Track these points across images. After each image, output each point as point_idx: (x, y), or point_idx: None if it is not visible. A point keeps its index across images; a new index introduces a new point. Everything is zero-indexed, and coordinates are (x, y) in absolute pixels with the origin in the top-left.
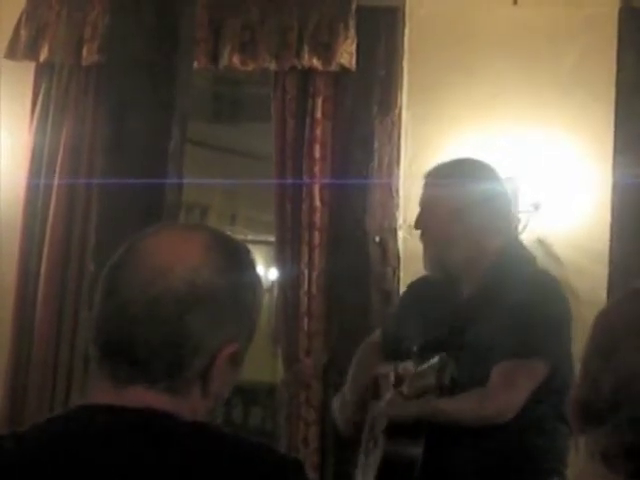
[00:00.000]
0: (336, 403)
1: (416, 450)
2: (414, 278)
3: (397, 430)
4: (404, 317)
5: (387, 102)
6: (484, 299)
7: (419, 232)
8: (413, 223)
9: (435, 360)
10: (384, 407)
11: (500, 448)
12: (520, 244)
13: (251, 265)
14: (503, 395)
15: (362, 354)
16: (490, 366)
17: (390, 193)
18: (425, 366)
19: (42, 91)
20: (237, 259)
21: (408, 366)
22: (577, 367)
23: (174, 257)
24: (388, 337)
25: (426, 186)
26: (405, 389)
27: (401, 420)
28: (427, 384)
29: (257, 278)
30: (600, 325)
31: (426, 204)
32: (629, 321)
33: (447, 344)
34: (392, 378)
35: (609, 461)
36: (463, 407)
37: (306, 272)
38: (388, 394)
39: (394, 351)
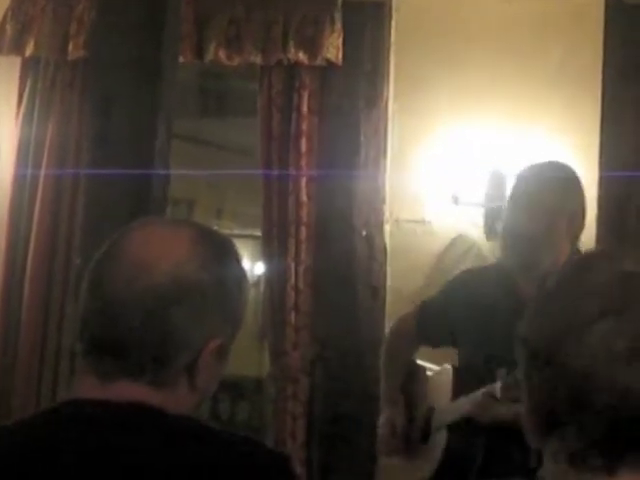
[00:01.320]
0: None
1: (478, 446)
2: (401, 272)
3: (462, 427)
4: (451, 306)
5: (373, 96)
6: None
7: (519, 232)
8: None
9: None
10: (473, 409)
11: None
12: None
13: (236, 259)
14: None
15: (393, 349)
16: None
17: (377, 187)
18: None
19: (28, 86)
20: (222, 254)
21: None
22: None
23: (159, 252)
24: (428, 324)
25: (529, 190)
26: (498, 394)
27: (487, 422)
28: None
29: (242, 272)
30: (531, 325)
31: (541, 208)
32: (562, 317)
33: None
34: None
35: (578, 461)
36: None
37: (293, 266)
38: (478, 395)
39: (434, 339)
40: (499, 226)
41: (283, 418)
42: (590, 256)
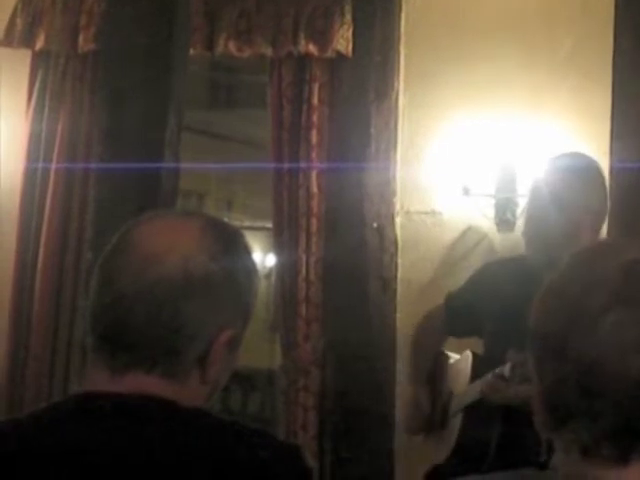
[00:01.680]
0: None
1: (492, 430)
2: (412, 263)
3: (476, 411)
4: (479, 297)
5: (384, 88)
6: None
7: (545, 227)
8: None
9: None
10: (483, 389)
11: None
12: None
13: (246, 250)
14: None
15: (422, 338)
16: None
17: (387, 179)
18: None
19: (39, 79)
20: (232, 245)
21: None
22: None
23: (169, 244)
24: (456, 315)
25: (553, 182)
26: (507, 374)
27: (497, 402)
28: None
29: (252, 263)
30: (540, 313)
31: (568, 203)
32: (570, 307)
33: None
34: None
35: (591, 452)
36: None
37: (304, 258)
38: (488, 376)
39: (461, 329)
40: (510, 217)
41: (294, 410)
42: (596, 247)
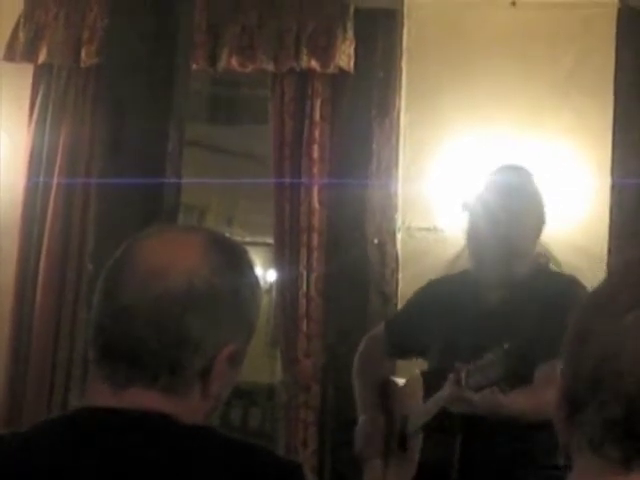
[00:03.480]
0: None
1: (454, 445)
2: (413, 280)
3: (435, 427)
4: (422, 316)
5: (385, 104)
6: (525, 302)
7: (496, 239)
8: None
9: (490, 356)
10: (446, 400)
11: (540, 439)
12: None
13: (249, 265)
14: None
15: (364, 365)
16: (533, 366)
17: (389, 195)
18: (483, 361)
19: (40, 92)
20: (235, 259)
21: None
22: None
23: (172, 258)
24: (397, 336)
25: (511, 196)
26: (464, 382)
27: (462, 411)
28: (491, 377)
29: (255, 278)
30: (575, 312)
31: (516, 214)
32: (600, 302)
33: (485, 345)
34: (458, 374)
35: (597, 448)
36: (525, 403)
37: (305, 274)
38: (446, 390)
39: (402, 349)
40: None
41: (295, 425)
42: (636, 257)
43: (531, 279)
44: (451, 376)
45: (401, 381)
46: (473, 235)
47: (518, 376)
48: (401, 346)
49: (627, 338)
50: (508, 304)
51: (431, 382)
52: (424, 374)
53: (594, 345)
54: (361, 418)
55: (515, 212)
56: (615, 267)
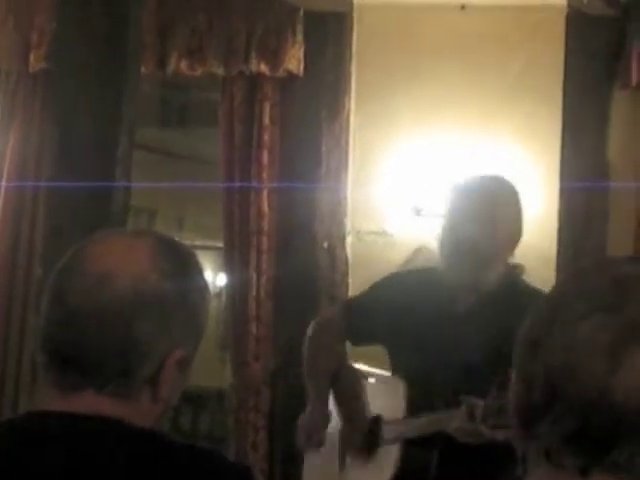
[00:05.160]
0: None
1: (431, 459)
2: (363, 284)
3: (414, 440)
4: (385, 304)
5: (335, 107)
6: (490, 312)
7: (462, 245)
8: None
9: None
10: (454, 431)
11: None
12: None
13: (198, 269)
14: None
15: (315, 348)
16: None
17: (338, 199)
18: (503, 402)
19: None
20: (184, 264)
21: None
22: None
23: (121, 263)
24: (358, 317)
25: (483, 202)
26: (480, 419)
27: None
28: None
29: (204, 282)
30: (527, 320)
31: (485, 221)
32: (552, 310)
33: (450, 350)
34: (472, 410)
35: (554, 458)
36: None
37: (254, 277)
38: (455, 421)
39: (362, 333)
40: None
41: (245, 429)
42: (594, 261)
43: (499, 289)
44: (463, 409)
45: (371, 379)
46: (444, 238)
47: None
48: (361, 329)
49: (581, 349)
50: (474, 312)
51: (415, 397)
52: (409, 385)
53: (547, 355)
54: (307, 408)
55: (486, 219)
56: (565, 275)
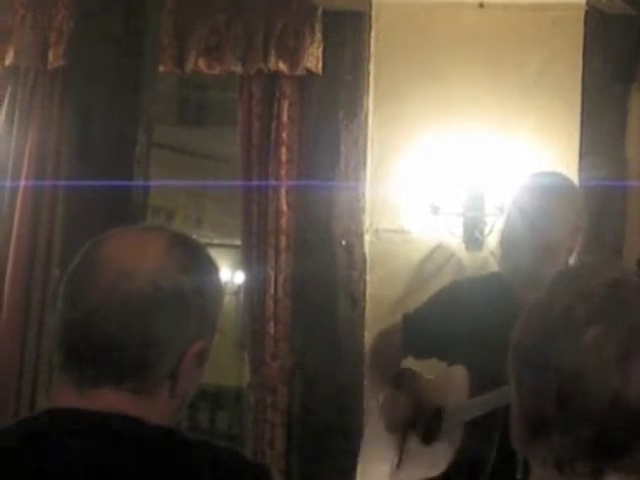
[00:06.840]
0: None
1: (490, 448)
2: (381, 282)
3: (474, 428)
4: (446, 316)
5: (353, 106)
6: None
7: (522, 243)
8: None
9: None
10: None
11: None
12: None
13: (211, 262)
14: None
15: (379, 357)
16: None
17: (356, 197)
18: None
19: (8, 95)
20: (198, 257)
21: None
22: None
23: (136, 259)
24: (416, 334)
25: (546, 197)
26: None
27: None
28: None
29: (217, 275)
30: (519, 326)
31: (547, 220)
32: (554, 317)
33: None
34: None
35: (566, 466)
36: None
37: (272, 276)
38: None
39: (420, 347)
40: (478, 235)
41: (262, 427)
42: (581, 265)
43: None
44: None
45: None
46: (508, 236)
47: None
48: (419, 345)
49: (590, 356)
50: None
51: (479, 384)
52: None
53: (556, 364)
54: (382, 395)
55: (550, 212)
56: (555, 277)
